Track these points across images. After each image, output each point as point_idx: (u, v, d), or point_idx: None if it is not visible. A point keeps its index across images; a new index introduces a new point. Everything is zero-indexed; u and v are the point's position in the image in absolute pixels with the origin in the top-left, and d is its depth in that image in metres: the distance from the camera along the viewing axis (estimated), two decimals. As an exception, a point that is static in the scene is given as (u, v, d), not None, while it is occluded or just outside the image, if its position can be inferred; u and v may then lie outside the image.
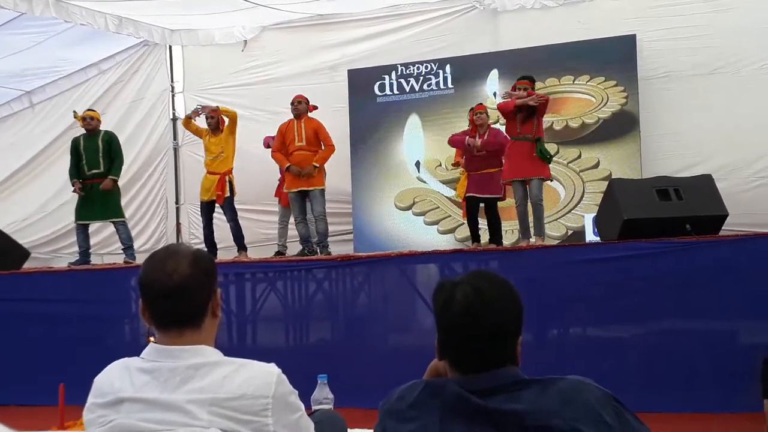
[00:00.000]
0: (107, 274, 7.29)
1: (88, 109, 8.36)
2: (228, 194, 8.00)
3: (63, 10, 8.68)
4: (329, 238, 8.06)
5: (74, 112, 8.54)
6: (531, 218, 7.00)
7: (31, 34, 9.29)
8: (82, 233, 8.00)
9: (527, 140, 6.84)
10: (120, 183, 8.15)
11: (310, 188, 7.81)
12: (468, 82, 9.52)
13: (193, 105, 10.59)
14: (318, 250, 7.90)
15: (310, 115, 7.94)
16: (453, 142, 7.72)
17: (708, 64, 8.63)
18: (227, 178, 8.04)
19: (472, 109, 7.70)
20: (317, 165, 7.80)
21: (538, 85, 7.59)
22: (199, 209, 8.46)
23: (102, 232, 9.01)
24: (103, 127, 8.11)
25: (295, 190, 7.86)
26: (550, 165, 7.10)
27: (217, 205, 8.12)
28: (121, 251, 8.14)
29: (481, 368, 1.66)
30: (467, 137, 7.45)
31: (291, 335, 6.79)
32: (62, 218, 10.69)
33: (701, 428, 5.06)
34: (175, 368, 1.83)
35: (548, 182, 7.22)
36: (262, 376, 1.84)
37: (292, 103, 7.91)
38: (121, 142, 8.18)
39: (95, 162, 7.85)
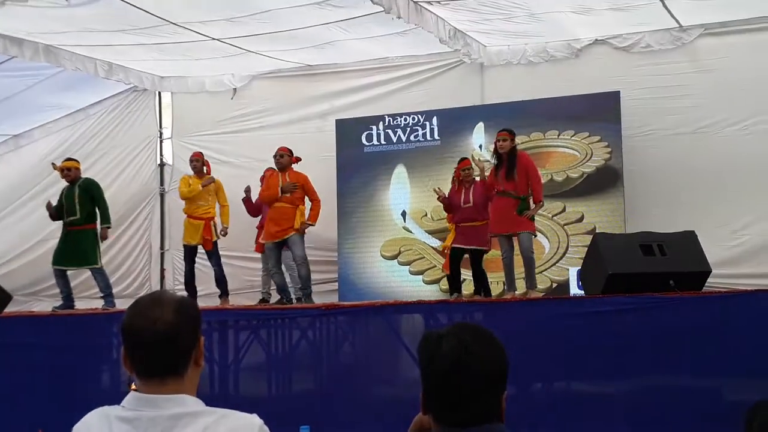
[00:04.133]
0: (89, 319, 7.20)
1: (66, 159, 8.29)
2: (215, 239, 8.03)
3: (53, 56, 8.74)
4: (313, 286, 7.98)
5: (53, 164, 8.37)
6: (520, 270, 7.02)
7: (21, 78, 9.33)
8: (61, 278, 7.95)
9: (511, 197, 6.90)
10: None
11: (287, 236, 7.69)
12: (454, 134, 9.60)
13: (180, 151, 10.65)
14: (294, 300, 7.84)
15: (295, 167, 7.91)
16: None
17: (691, 124, 8.76)
18: (212, 224, 8.06)
19: (460, 160, 7.77)
20: (312, 223, 7.79)
21: (523, 138, 7.68)
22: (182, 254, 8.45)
23: (79, 276, 8.94)
24: (91, 173, 8.10)
25: (271, 241, 7.77)
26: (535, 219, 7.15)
27: (201, 250, 8.11)
28: (100, 297, 8.06)
29: (465, 424, 1.64)
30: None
31: (274, 384, 6.71)
32: (41, 260, 10.60)
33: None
34: (155, 418, 1.80)
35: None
36: (244, 428, 1.81)
37: (275, 156, 7.87)
38: (107, 186, 8.17)
39: (72, 210, 7.86)
